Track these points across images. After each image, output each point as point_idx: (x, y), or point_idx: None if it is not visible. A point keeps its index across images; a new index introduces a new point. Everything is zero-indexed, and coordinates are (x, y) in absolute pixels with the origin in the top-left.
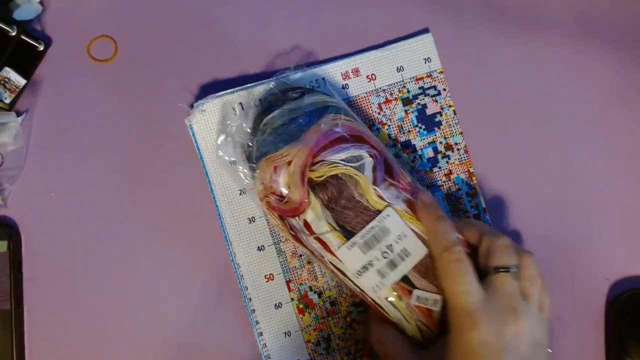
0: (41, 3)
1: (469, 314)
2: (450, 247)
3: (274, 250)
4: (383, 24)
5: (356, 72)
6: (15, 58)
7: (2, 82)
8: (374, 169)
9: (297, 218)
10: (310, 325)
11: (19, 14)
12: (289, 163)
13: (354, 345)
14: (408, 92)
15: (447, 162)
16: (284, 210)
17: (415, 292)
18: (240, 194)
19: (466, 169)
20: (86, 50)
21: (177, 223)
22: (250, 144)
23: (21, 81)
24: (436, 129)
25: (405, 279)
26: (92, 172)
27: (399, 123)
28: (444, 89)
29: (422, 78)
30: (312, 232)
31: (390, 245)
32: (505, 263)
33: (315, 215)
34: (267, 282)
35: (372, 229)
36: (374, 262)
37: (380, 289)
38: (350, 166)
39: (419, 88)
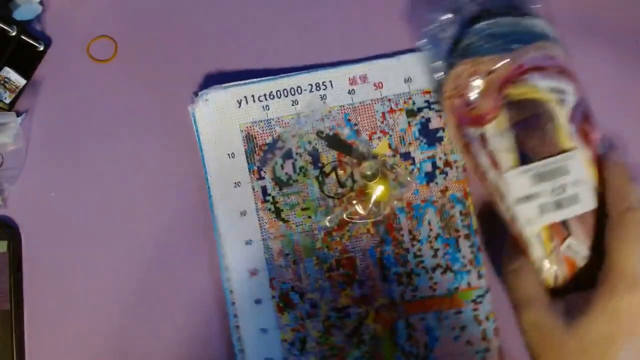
0: (41, 3)
1: (630, 276)
2: (635, 209)
3: (261, 246)
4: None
5: (364, 78)
6: (15, 58)
7: (2, 82)
8: (574, 109)
9: (476, 128)
10: (288, 324)
11: (19, 14)
12: (492, 71)
13: (329, 350)
14: (413, 104)
15: (444, 178)
16: (467, 117)
17: (571, 239)
18: (235, 187)
19: (462, 188)
20: (86, 50)
21: (175, 219)
22: (457, 41)
23: (21, 81)
24: (437, 144)
25: (564, 224)
26: (93, 172)
27: (401, 134)
28: None
29: (429, 92)
30: (487, 146)
31: (564, 185)
32: None
33: (498, 130)
34: (250, 276)
35: (552, 164)
36: (540, 195)
37: (535, 224)
38: (553, 96)
39: (425, 101)
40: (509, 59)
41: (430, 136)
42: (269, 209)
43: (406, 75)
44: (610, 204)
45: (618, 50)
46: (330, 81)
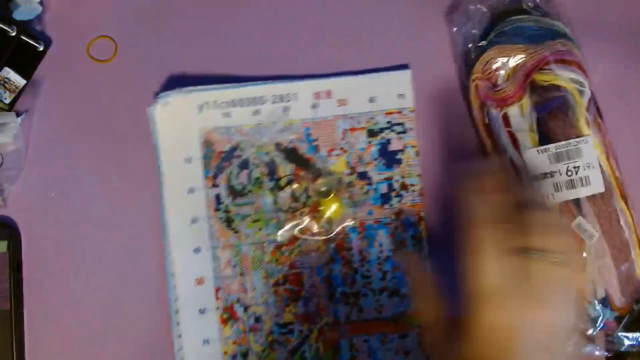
0: (41, 3)
1: (481, 296)
2: (477, 225)
3: (209, 255)
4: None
5: (328, 94)
6: (15, 58)
7: (2, 82)
8: (589, 101)
9: (499, 109)
10: (230, 337)
11: (19, 14)
12: (521, 59)
13: None
14: (375, 124)
15: (399, 201)
16: (492, 98)
17: (580, 218)
18: (189, 193)
19: (417, 212)
20: (86, 50)
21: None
22: (488, 30)
23: (21, 81)
24: (395, 166)
25: (575, 203)
26: (92, 172)
27: (360, 153)
28: (411, 128)
29: (392, 113)
30: (508, 126)
31: (577, 167)
32: (541, 245)
33: (520, 112)
34: (196, 285)
35: (567, 145)
36: (555, 174)
37: (549, 200)
38: (574, 86)
39: (387, 122)
40: (537, 49)
41: (389, 157)
42: (221, 218)
43: (371, 94)
44: (462, 218)
45: (618, 50)
46: (295, 94)
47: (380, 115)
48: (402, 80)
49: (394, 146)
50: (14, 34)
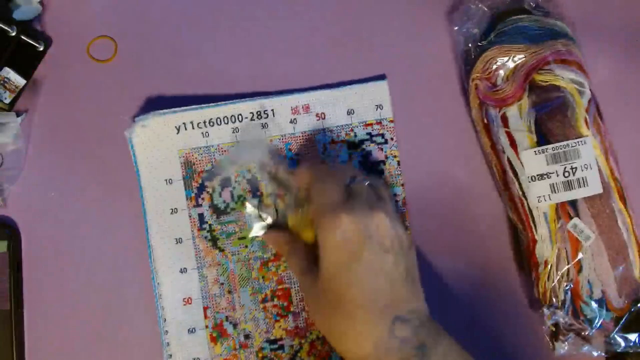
0: (41, 3)
1: (332, 213)
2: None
3: (196, 275)
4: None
5: (306, 108)
6: (15, 58)
7: (2, 82)
8: (589, 102)
9: (498, 109)
10: (220, 355)
11: (19, 14)
12: (521, 59)
13: None
14: (355, 136)
15: None
16: (491, 98)
17: (577, 219)
18: (172, 213)
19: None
20: (86, 50)
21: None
22: (488, 30)
23: (21, 81)
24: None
25: (572, 204)
26: (92, 172)
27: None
28: (392, 139)
29: (371, 124)
30: (507, 126)
31: (575, 168)
32: (357, 175)
33: (519, 112)
34: (184, 305)
35: (565, 146)
36: (552, 175)
37: (544, 201)
38: (574, 87)
39: (367, 134)
40: (537, 49)
41: (371, 169)
42: (205, 237)
43: (349, 107)
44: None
45: (618, 50)
46: (272, 110)
47: (359, 127)
48: (379, 91)
49: (375, 157)
50: (14, 34)
